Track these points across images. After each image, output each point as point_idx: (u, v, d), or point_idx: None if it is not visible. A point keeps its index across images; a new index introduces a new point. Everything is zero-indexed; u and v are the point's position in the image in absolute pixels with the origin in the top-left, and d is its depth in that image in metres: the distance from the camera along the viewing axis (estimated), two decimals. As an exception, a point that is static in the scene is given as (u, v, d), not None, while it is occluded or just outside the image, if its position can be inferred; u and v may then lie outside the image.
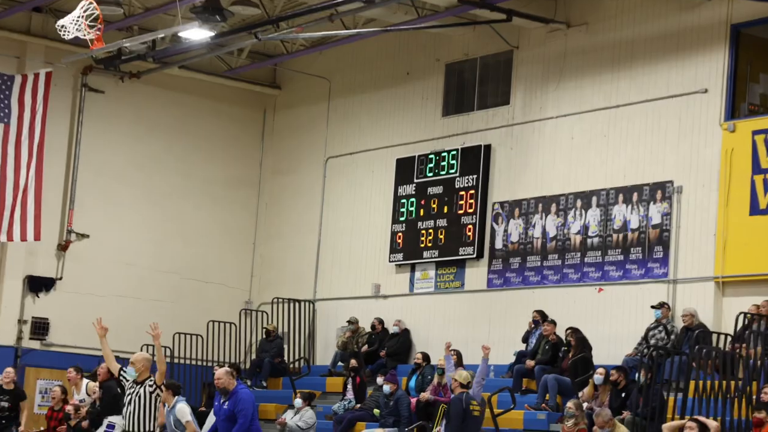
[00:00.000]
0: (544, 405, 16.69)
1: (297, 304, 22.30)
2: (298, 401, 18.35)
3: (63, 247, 21.94)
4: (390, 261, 21.24)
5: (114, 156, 22.61)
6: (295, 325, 22.19)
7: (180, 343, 21.66)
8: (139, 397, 12.47)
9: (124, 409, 12.77)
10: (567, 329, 17.29)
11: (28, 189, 20.81)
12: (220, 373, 14.17)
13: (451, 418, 15.13)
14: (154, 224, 22.87)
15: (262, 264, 23.74)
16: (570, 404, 14.92)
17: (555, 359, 17.31)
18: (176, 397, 14.67)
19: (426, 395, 17.30)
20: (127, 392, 12.72)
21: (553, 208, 19.05)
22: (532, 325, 18.30)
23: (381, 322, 20.66)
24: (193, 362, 21.88)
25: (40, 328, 21.61)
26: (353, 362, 19.29)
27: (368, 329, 20.86)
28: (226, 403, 13.94)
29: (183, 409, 14.53)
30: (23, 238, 20.80)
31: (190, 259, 23.07)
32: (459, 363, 16.81)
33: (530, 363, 17.46)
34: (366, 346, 20.44)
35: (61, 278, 21.90)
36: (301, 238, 23.02)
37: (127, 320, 22.10)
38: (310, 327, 22.38)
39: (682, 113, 17.64)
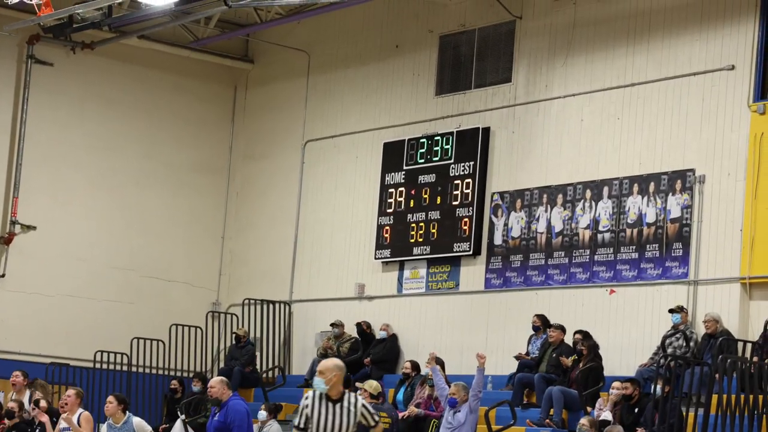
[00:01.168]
0: (548, 421, 16.69)
1: (271, 306, 22.28)
2: (262, 414, 18.27)
3: (6, 240, 21.89)
4: (376, 258, 21.23)
5: (64, 137, 22.53)
6: (268, 330, 22.19)
7: (139, 349, 21.66)
8: (348, 414, 10.14)
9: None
10: (575, 333, 17.28)
11: (-34, 174, 20.79)
12: (213, 381, 14.25)
13: None
14: (110, 215, 22.81)
15: (231, 260, 23.72)
16: (584, 421, 14.92)
17: (563, 370, 17.30)
18: (128, 413, 14.53)
19: (414, 409, 17.29)
20: (317, 410, 10.20)
21: (560, 199, 19.03)
22: (533, 332, 18.31)
23: (369, 326, 20.63)
24: (154, 371, 21.88)
25: (-21, 331, 21.63)
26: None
27: (352, 334, 20.84)
28: (217, 414, 14.03)
29: (143, 425, 14.46)
30: (-39, 230, 20.80)
31: (151, 255, 23.03)
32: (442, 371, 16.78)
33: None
34: (350, 353, 20.41)
35: (3, 275, 21.84)
36: (276, 232, 23.00)
37: (78, 323, 22.15)
38: (285, 332, 22.39)
39: (705, 93, 17.63)
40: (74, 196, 22.54)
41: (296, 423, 10.08)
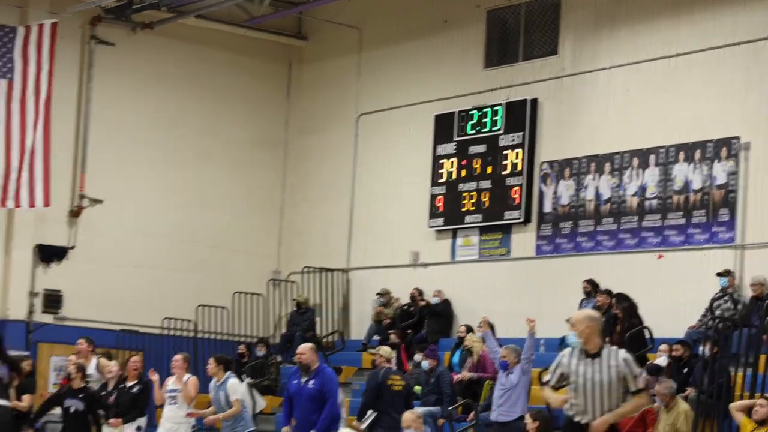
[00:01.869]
0: (599, 382, 16.57)
1: (329, 274, 22.33)
2: None
3: (75, 213, 21.99)
4: (429, 227, 21.17)
5: (127, 114, 22.57)
6: (327, 297, 22.23)
7: (203, 316, 21.80)
8: (609, 369, 8.76)
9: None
10: (610, 295, 17.08)
11: (35, 151, 20.76)
12: (303, 348, 14.26)
13: (366, 392, 15.25)
14: (174, 188, 22.86)
15: (290, 231, 23.73)
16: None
17: (611, 332, 17.19)
18: (228, 372, 14.89)
19: (467, 374, 17.28)
20: (575, 367, 8.90)
21: (607, 167, 18.88)
22: (584, 296, 18.21)
23: (420, 293, 20.61)
24: (218, 337, 22.01)
25: (53, 300, 21.71)
26: (394, 337, 19.29)
27: (405, 300, 20.83)
28: (311, 381, 14.05)
29: (236, 385, 14.70)
30: (32, 205, 20.76)
31: (214, 227, 23.07)
32: (494, 335, 16.76)
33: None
34: (403, 318, 20.41)
35: (73, 247, 21.94)
36: (332, 203, 22.99)
37: (146, 292, 22.26)
38: (343, 298, 22.42)
39: (749, 62, 17.41)
40: (138, 171, 22.59)
41: (547, 379, 9.14)
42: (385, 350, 15.82)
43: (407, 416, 14.17)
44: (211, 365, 15.05)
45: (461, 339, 18.47)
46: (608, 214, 18.79)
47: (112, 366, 15.94)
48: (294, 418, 14.47)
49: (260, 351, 20.36)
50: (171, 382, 15.25)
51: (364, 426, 14.89)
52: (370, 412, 14.89)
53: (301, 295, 21.92)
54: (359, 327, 21.94)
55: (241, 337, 22.07)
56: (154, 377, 15.57)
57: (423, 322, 20.24)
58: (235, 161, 23.47)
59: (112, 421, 15.23)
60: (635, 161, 18.55)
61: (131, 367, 15.80)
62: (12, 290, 21.47)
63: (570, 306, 18.36)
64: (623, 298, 16.98)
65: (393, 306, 20.94)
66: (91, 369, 16.36)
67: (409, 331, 20.12)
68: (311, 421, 14.27)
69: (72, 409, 15.47)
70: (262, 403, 18.18)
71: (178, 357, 15.43)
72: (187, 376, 15.17)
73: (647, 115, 18.48)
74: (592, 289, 18.05)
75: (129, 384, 15.57)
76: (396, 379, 15.33)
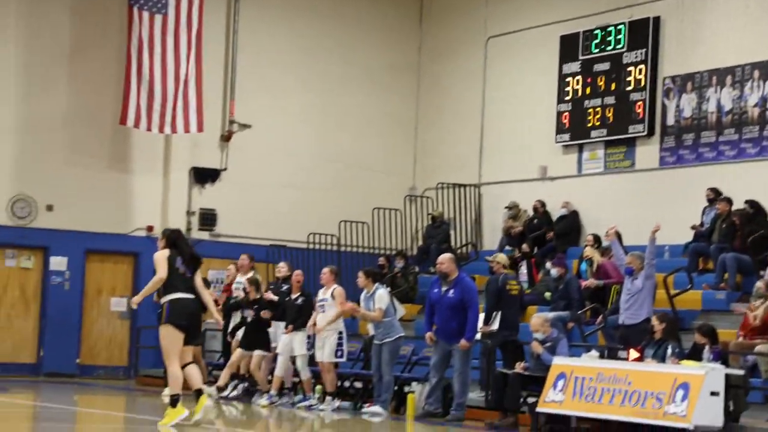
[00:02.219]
0: (723, 284, 16.79)
1: (462, 189, 22.72)
2: None
3: (226, 137, 22.71)
4: (556, 142, 21.40)
5: (272, 43, 23.16)
6: (460, 211, 22.64)
7: (346, 230, 22.37)
8: None
9: None
10: (729, 203, 17.10)
11: (188, 80, 21.55)
12: (443, 258, 14.82)
13: (487, 297, 15.61)
14: (316, 112, 23.45)
15: (424, 149, 24.13)
16: (760, 284, 14.95)
17: (732, 238, 17.34)
18: (376, 284, 15.54)
19: (592, 281, 17.55)
20: None
21: (729, 80, 18.85)
22: (707, 204, 18.32)
23: (543, 204, 20.91)
24: (359, 250, 22.60)
25: (208, 219, 22.58)
26: (525, 246, 19.63)
27: (530, 212, 21.16)
28: (451, 291, 14.58)
29: (382, 296, 15.30)
30: (186, 130, 21.63)
31: (353, 147, 23.61)
32: (620, 243, 16.97)
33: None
34: (528, 228, 20.70)
35: (225, 169, 22.72)
36: (464, 122, 23.31)
37: (292, 209, 22.95)
38: (475, 212, 22.80)
39: None
40: (283, 97, 23.20)
41: None
42: (500, 257, 16.32)
43: (535, 321, 14.59)
44: (361, 278, 15.72)
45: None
46: (730, 125, 18.81)
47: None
48: (435, 324, 15.09)
49: (399, 262, 20.92)
50: (321, 293, 15.99)
51: (494, 327, 15.41)
52: (495, 313, 15.39)
53: (436, 210, 22.35)
54: (491, 238, 22.32)
55: (380, 249, 22.62)
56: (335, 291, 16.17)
57: (550, 233, 20.52)
58: (371, 85, 23.92)
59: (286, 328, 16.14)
60: (756, 73, 18.48)
61: (295, 279, 16.66)
62: (171, 210, 22.39)
63: (692, 214, 18.58)
64: (752, 205, 16.98)
65: (522, 218, 21.28)
66: (246, 283, 17.17)
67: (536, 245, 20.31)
68: (451, 327, 14.85)
69: (249, 319, 16.53)
70: (401, 311, 18.69)
71: (326, 270, 16.15)
72: (333, 286, 15.85)
73: (767, 28, 18.36)
74: (715, 196, 18.11)
75: (294, 296, 16.36)
76: (513, 283, 15.84)
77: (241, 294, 17.53)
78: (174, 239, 11.96)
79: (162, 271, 11.66)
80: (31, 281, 21.67)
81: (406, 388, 15.85)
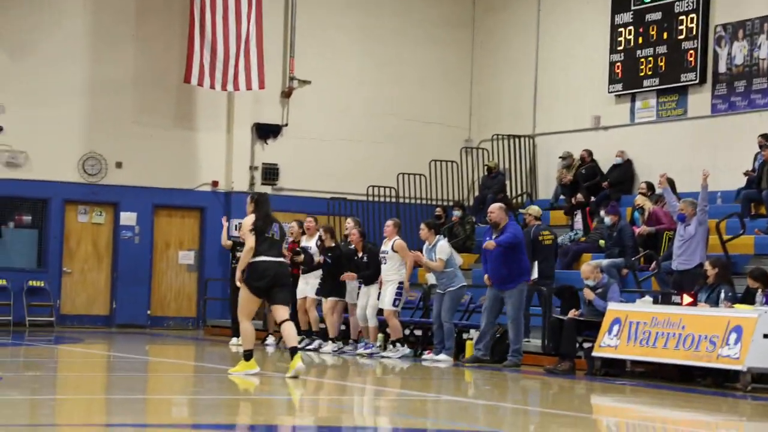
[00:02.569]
0: (774, 229, 16.61)
1: (517, 140, 22.63)
2: None
3: (286, 94, 22.79)
4: (609, 92, 21.22)
5: (330, 1, 23.13)
6: (515, 161, 22.57)
7: (403, 183, 22.40)
8: None
9: None
10: None
11: (249, 39, 21.62)
12: (493, 207, 14.89)
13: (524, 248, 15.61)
14: (373, 66, 23.43)
15: (480, 102, 24.02)
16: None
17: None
18: (437, 235, 15.59)
19: (645, 228, 17.45)
20: None
21: (781, 27, 18.56)
22: (758, 150, 18.09)
23: (590, 153, 20.75)
24: (417, 201, 22.63)
25: (270, 173, 22.72)
26: (579, 195, 19.53)
27: (587, 162, 21.00)
28: (498, 236, 14.61)
29: (443, 247, 15.35)
30: (248, 87, 21.72)
31: (410, 101, 23.59)
32: (673, 191, 16.87)
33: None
34: (577, 177, 20.57)
35: (286, 125, 22.81)
36: (518, 74, 23.17)
37: (352, 163, 23.02)
38: (530, 162, 22.72)
39: None
40: (342, 53, 23.21)
41: None
42: (533, 209, 16.35)
43: (585, 268, 14.56)
44: (424, 230, 15.75)
45: (642, 195, 18.61)
46: (781, 71, 18.55)
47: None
48: (486, 272, 15.11)
49: (456, 212, 20.92)
50: (382, 245, 16.04)
51: (534, 276, 15.56)
52: (533, 264, 15.48)
53: (492, 161, 22.28)
54: (546, 188, 22.25)
55: (437, 201, 22.65)
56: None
57: (604, 183, 20.38)
58: (427, 39, 23.83)
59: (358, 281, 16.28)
60: (807, 20, 18.18)
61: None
62: (235, 165, 22.57)
63: (744, 161, 18.35)
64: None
65: (575, 168, 21.14)
66: (312, 243, 17.24)
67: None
68: (502, 274, 14.86)
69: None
70: (459, 260, 18.75)
71: (389, 223, 16.22)
72: (395, 238, 15.89)
73: (818, -25, 18.02)
74: (766, 143, 17.88)
75: (359, 255, 16.41)
76: (545, 234, 15.94)
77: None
78: (260, 202, 12.06)
79: (250, 241, 11.81)
80: (102, 236, 21.98)
81: (465, 336, 15.90)
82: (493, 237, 14.87)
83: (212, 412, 9.50)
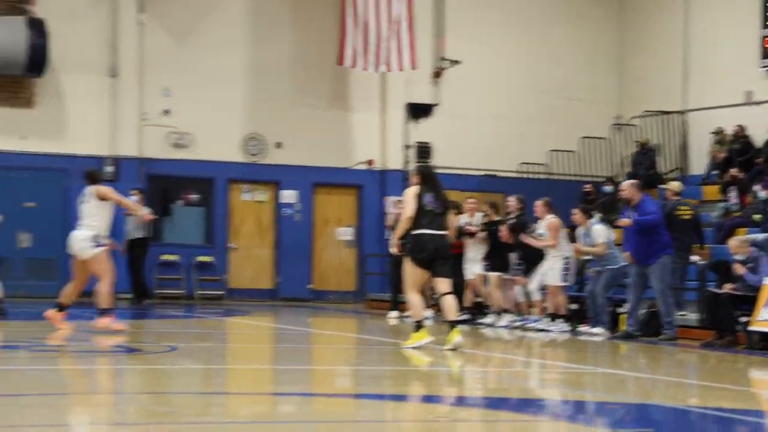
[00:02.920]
0: None
1: (667, 116, 22.23)
2: None
3: (437, 74, 22.82)
4: (761, 67, 20.64)
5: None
6: (666, 137, 22.15)
7: (554, 159, 22.22)
8: None
9: None
10: None
11: (401, 20, 21.67)
12: (624, 185, 14.66)
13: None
14: (523, 45, 23.31)
15: (629, 78, 23.70)
16: None
17: None
18: (590, 219, 15.29)
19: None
20: None
21: None
22: None
23: (743, 129, 20.19)
24: (568, 178, 22.41)
25: (424, 151, 22.78)
26: (733, 171, 19.07)
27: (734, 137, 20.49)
28: (635, 215, 14.40)
29: (600, 230, 15.10)
30: (400, 68, 21.79)
31: (560, 78, 23.40)
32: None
33: None
34: (731, 152, 20.08)
35: (438, 104, 22.84)
36: (667, 51, 22.73)
37: (503, 140, 22.94)
38: (681, 138, 22.26)
39: None
40: (491, 32, 23.13)
41: None
42: (673, 185, 16.05)
43: (733, 242, 14.21)
44: (578, 215, 15.45)
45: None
46: None
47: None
48: (627, 250, 14.86)
49: (607, 187, 20.64)
50: (538, 226, 15.86)
51: None
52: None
53: (643, 137, 21.93)
54: (698, 163, 21.82)
55: (588, 177, 22.38)
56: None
57: (758, 158, 19.85)
58: (575, 17, 23.57)
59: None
60: None
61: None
62: (389, 144, 22.72)
63: None
64: None
65: (728, 143, 20.63)
66: (474, 219, 17.22)
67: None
68: (642, 250, 14.57)
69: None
70: (612, 235, 18.46)
71: (538, 203, 15.89)
72: (548, 217, 15.67)
73: None
74: None
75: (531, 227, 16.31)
76: (683, 209, 15.63)
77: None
78: (425, 175, 11.92)
79: (409, 209, 11.65)
80: (265, 213, 22.39)
81: (618, 309, 15.68)
82: (628, 214, 14.60)
83: (376, 383, 9.59)
